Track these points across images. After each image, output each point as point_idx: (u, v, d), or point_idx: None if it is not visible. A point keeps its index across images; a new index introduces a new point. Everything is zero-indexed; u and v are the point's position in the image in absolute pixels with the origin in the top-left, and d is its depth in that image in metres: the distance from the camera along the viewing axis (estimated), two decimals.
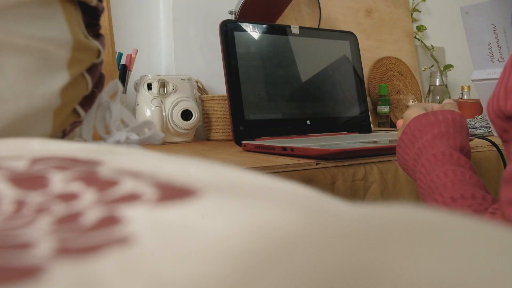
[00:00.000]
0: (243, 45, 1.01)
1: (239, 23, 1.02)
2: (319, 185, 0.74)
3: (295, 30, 1.08)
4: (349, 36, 1.18)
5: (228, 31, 1.00)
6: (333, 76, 1.13)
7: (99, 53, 0.42)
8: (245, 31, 1.02)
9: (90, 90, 0.43)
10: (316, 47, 1.12)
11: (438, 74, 1.66)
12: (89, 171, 0.21)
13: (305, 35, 1.11)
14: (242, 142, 0.94)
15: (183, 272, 0.13)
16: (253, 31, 1.04)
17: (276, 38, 1.07)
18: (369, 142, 0.92)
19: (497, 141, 1.00)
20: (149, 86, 1.12)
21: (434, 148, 0.64)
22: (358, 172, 0.79)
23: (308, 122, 1.07)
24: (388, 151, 0.85)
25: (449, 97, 1.61)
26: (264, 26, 1.06)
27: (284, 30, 1.08)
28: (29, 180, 0.20)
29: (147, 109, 1.11)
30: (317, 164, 0.75)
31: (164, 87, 1.12)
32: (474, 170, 0.62)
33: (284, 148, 0.83)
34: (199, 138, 1.27)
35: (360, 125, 1.15)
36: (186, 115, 1.12)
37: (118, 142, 0.44)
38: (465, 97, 1.57)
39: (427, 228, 0.14)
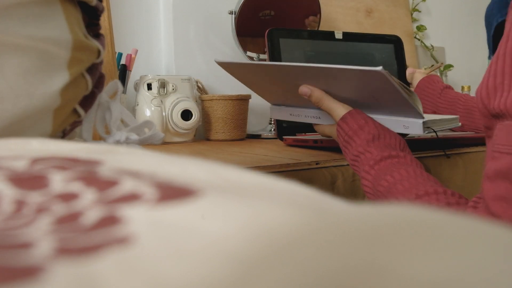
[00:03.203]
0: (288, 51, 1.06)
1: (285, 30, 1.08)
2: (319, 185, 0.74)
3: (338, 35, 1.12)
4: (394, 39, 1.20)
5: (274, 38, 1.05)
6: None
7: (99, 53, 0.42)
8: (290, 37, 1.07)
9: (90, 90, 0.43)
10: (360, 51, 1.15)
11: (438, 74, 1.66)
12: (89, 171, 0.21)
13: (349, 40, 1.14)
14: (283, 137, 1.02)
15: (183, 272, 0.13)
16: (298, 37, 1.08)
17: (319, 44, 1.11)
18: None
19: None
20: (149, 86, 1.12)
21: (371, 154, 0.64)
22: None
23: None
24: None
25: None
26: (308, 32, 1.13)
27: (327, 35, 1.12)
28: (29, 180, 0.20)
29: (147, 109, 1.11)
30: (317, 164, 0.75)
31: (164, 87, 1.12)
32: (421, 165, 0.63)
33: (315, 141, 0.92)
34: (199, 138, 1.27)
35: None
36: (186, 115, 1.12)
37: (118, 142, 0.44)
38: None
39: (427, 228, 0.14)
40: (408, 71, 1.19)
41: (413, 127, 0.68)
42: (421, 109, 0.67)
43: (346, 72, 0.64)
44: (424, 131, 0.67)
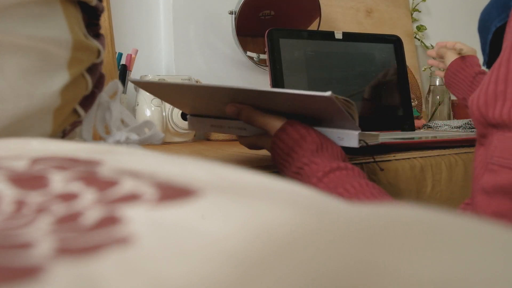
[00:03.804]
0: (288, 51, 1.06)
1: (285, 30, 1.08)
2: None
3: (338, 35, 1.12)
4: (394, 39, 1.20)
5: (274, 38, 1.04)
6: (377, 78, 1.16)
7: (99, 53, 0.42)
8: (290, 37, 1.07)
9: (90, 90, 0.43)
10: (360, 51, 1.16)
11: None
12: (89, 171, 0.21)
13: (349, 40, 1.14)
14: None
15: (183, 272, 0.13)
16: (298, 37, 1.08)
17: (319, 44, 1.11)
18: (403, 138, 0.96)
19: None
20: None
21: (317, 165, 0.59)
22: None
23: None
24: (417, 145, 0.89)
25: (449, 97, 1.61)
26: (308, 32, 1.13)
27: (327, 35, 1.12)
28: (29, 180, 0.20)
29: (147, 109, 1.11)
30: None
31: None
32: (365, 176, 0.60)
33: None
34: (199, 138, 1.27)
35: (403, 124, 1.17)
36: (186, 115, 1.12)
37: (118, 142, 0.44)
38: None
39: (426, 228, 0.14)
40: (440, 44, 1.09)
41: (348, 138, 0.65)
42: (357, 120, 0.65)
43: (289, 96, 0.61)
44: (358, 144, 0.65)
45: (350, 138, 0.65)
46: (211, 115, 0.75)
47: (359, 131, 0.65)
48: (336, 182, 0.57)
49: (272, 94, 0.63)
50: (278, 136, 0.63)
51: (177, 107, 0.80)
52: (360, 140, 0.66)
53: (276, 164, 0.66)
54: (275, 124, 0.64)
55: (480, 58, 0.54)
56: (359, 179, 0.57)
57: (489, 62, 0.55)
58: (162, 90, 0.75)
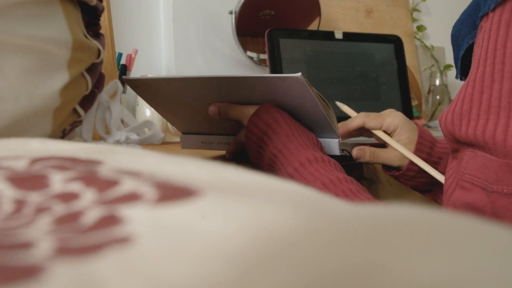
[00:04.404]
0: (288, 51, 1.06)
1: (285, 30, 1.08)
2: None
3: (338, 35, 1.12)
4: (394, 39, 1.20)
5: (274, 38, 1.05)
6: (377, 78, 1.16)
7: (99, 53, 0.42)
8: (290, 37, 1.07)
9: (90, 90, 0.43)
10: (360, 51, 1.15)
11: (438, 74, 1.66)
12: (89, 171, 0.21)
13: (349, 40, 1.14)
14: None
15: (183, 272, 0.13)
16: (298, 37, 1.09)
17: (319, 44, 1.11)
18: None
19: None
20: None
21: (292, 154, 0.57)
22: (358, 172, 0.79)
23: None
24: None
25: (449, 98, 1.61)
26: (308, 32, 1.14)
27: (327, 35, 1.13)
28: (29, 180, 0.20)
29: (147, 109, 1.11)
30: None
31: None
32: (342, 169, 0.59)
33: None
34: None
35: None
36: None
37: (118, 142, 0.44)
38: None
39: (427, 228, 0.14)
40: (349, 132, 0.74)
41: (328, 146, 0.65)
42: (337, 128, 0.65)
43: (262, 81, 0.60)
44: (340, 152, 0.65)
45: (331, 146, 0.65)
46: (201, 132, 0.77)
47: (339, 139, 0.65)
48: (314, 175, 0.55)
49: (245, 80, 0.62)
50: (251, 121, 0.60)
51: (171, 121, 0.82)
52: (343, 150, 0.67)
53: (250, 156, 0.63)
54: (249, 111, 0.62)
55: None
56: (337, 172, 0.56)
57: (462, 75, 0.55)
58: (151, 93, 0.76)
